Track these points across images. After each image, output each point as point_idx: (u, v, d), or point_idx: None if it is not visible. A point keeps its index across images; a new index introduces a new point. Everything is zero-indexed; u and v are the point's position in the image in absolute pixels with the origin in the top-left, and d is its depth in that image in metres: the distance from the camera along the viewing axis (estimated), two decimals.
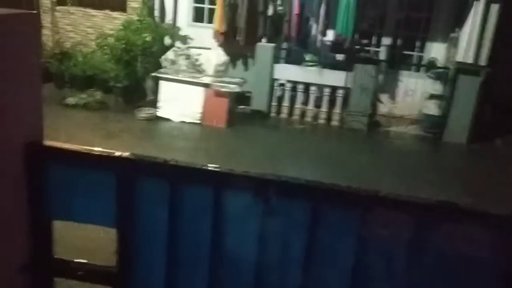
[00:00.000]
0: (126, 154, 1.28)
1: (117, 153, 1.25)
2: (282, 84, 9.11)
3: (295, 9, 8.75)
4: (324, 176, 6.11)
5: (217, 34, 9.17)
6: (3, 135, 1.26)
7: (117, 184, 1.30)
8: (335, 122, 9.02)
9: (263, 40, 9.03)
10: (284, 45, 9.30)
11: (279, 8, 8.93)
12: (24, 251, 1.36)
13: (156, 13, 9.27)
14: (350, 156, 7.75)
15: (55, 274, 1.42)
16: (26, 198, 1.34)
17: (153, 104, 8.71)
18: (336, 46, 9.07)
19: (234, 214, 1.29)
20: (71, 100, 8.71)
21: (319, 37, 9.01)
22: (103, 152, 1.31)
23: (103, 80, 8.85)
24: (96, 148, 1.33)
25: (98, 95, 8.85)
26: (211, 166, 1.28)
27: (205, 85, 8.44)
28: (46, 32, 9.85)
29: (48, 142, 1.36)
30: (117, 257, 1.37)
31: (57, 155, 1.34)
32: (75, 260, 1.43)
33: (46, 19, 9.81)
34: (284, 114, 9.17)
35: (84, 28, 9.60)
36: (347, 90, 8.85)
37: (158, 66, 8.77)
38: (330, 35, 9.00)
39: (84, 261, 1.43)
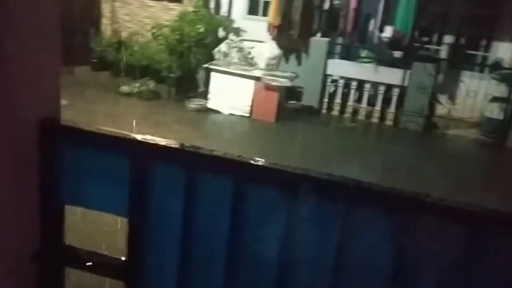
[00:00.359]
0: (140, 136, 1.16)
1: (132, 135, 1.13)
2: (335, 80, 8.84)
3: (353, 3, 8.44)
4: (371, 178, 5.85)
5: (271, 27, 9.02)
6: (16, 108, 1.17)
7: (130, 170, 1.18)
8: (389, 122, 8.65)
9: (318, 34, 8.79)
10: (339, 40, 9.01)
11: (336, 1, 8.64)
12: (34, 237, 1.27)
13: (212, 4, 9.24)
14: (404, 158, 7.37)
15: (65, 263, 1.33)
16: (38, 179, 1.25)
17: (204, 95, 8.70)
18: (394, 42, 8.67)
19: (256, 209, 1.14)
20: (125, 89, 8.87)
21: (376, 33, 8.66)
22: (118, 133, 1.19)
23: (157, 70, 8.93)
24: (111, 129, 1.21)
25: (151, 84, 8.95)
26: (232, 155, 1.13)
27: (256, 78, 8.32)
28: (105, 22, 10.08)
29: (63, 122, 1.26)
30: (128, 250, 1.25)
31: (71, 134, 1.24)
32: (85, 249, 1.33)
33: (106, 9, 10.04)
34: (335, 111, 8.90)
35: (141, 19, 9.73)
36: (403, 88, 8.45)
37: (211, 58, 8.74)
38: (388, 31, 8.62)
39: (94, 251, 1.33)
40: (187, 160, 1.15)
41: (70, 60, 9.55)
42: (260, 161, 1.12)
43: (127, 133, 1.20)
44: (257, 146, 7.20)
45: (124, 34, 9.85)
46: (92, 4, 9.94)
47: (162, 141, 1.15)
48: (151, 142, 1.16)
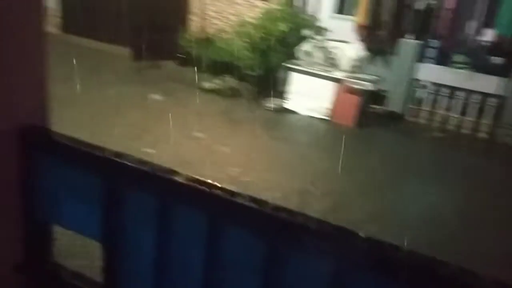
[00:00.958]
0: (112, 152, 1.03)
1: (106, 153, 1.00)
2: (424, 86, 8.24)
3: (449, 3, 7.79)
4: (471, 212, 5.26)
5: (358, 27, 8.62)
6: None
7: (103, 191, 1.06)
8: (482, 134, 7.89)
9: (408, 36, 8.24)
10: (432, 43, 8.37)
11: (431, 1, 8.03)
12: (18, 250, 1.20)
13: (298, 2, 9.04)
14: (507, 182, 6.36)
15: (46, 281, 1.25)
16: (18, 192, 1.17)
17: (283, 95, 8.55)
18: (495, 47, 7.87)
19: (232, 248, 0.97)
20: (206, 85, 9.00)
21: (475, 36, 7.91)
22: (92, 148, 1.07)
23: (238, 68, 8.93)
24: (88, 142, 1.10)
25: (232, 82, 8.99)
26: (210, 185, 0.96)
27: (338, 80, 8.00)
28: (194, 18, 10.30)
29: (45, 129, 1.17)
30: (104, 275, 1.14)
31: (48, 146, 1.14)
32: (68, 269, 1.24)
33: (195, 5, 10.25)
34: (422, 119, 8.30)
35: (228, 15, 9.80)
36: (502, 98, 7.65)
37: (293, 57, 8.57)
38: (488, 35, 7.84)
39: (78, 271, 1.23)
40: (160, 186, 1.00)
41: (158, 54, 9.90)
42: (239, 197, 0.94)
43: (103, 147, 1.08)
44: (328, 152, 6.89)
45: (210, 31, 9.99)
46: (183, 0, 10.19)
47: (133, 162, 1.00)
48: (122, 162, 1.02)
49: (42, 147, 1.15)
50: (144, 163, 1.00)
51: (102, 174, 1.07)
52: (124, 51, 10.09)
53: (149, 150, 5.67)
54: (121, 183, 1.05)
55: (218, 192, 0.95)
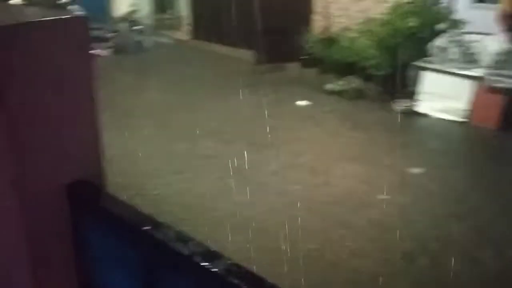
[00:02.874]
0: (150, 223, 0.84)
1: (145, 228, 0.82)
2: None
3: None
4: None
5: (503, 17, 7.54)
6: (41, 173, 0.98)
7: (140, 267, 0.88)
8: None
9: None
10: None
11: None
12: None
13: None
14: None
15: None
16: (64, 251, 1.05)
17: (413, 96, 7.86)
18: None
19: None
20: (329, 87, 8.68)
21: None
22: (132, 213, 0.90)
23: (363, 67, 8.44)
24: (131, 204, 0.93)
25: (356, 82, 8.54)
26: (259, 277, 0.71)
27: (477, 78, 7.10)
28: (317, 18, 10.02)
29: (93, 186, 1.02)
30: None
31: (92, 204, 0.99)
32: None
33: (318, 5, 9.96)
34: None
35: (353, 13, 9.33)
36: None
37: (425, 54, 7.83)
38: None
39: None
40: (196, 275, 0.77)
41: (281, 57, 9.82)
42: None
43: (143, 213, 0.90)
44: (471, 166, 6.07)
45: (334, 30, 9.62)
46: (305, 0, 9.97)
47: (170, 239, 0.80)
48: (157, 237, 0.82)
49: (86, 205, 1.01)
50: (185, 240, 0.79)
51: (139, 247, 0.89)
52: (248, 55, 10.21)
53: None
54: (159, 262, 0.85)
55: None
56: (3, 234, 1.15)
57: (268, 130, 6.41)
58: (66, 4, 14.35)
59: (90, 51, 1.02)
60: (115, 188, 1.05)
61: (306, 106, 8.03)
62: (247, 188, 4.93)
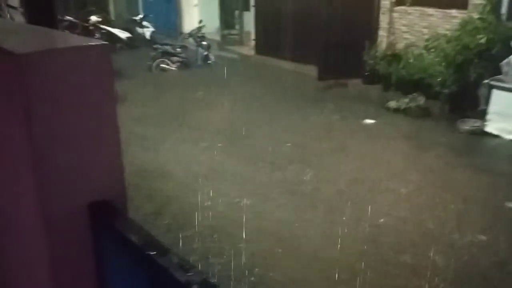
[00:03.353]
0: (159, 249, 0.86)
1: (151, 252, 0.84)
2: None
3: None
4: None
5: None
6: (64, 192, 1.03)
7: None
8: None
9: None
10: None
11: None
12: None
13: (503, 9, 7.81)
14: None
15: None
16: (83, 272, 1.09)
17: (482, 115, 7.44)
18: None
19: None
20: (392, 104, 8.44)
21: None
22: (143, 237, 0.92)
23: (429, 85, 8.14)
24: (142, 228, 0.95)
25: (421, 100, 8.23)
26: None
27: None
28: (381, 33, 9.82)
29: (111, 206, 1.06)
30: None
31: (110, 225, 1.02)
32: None
33: (383, 20, 9.77)
34: None
35: (419, 29, 9.06)
36: None
37: (497, 72, 7.41)
38: None
39: None
40: None
41: (343, 72, 9.70)
42: None
43: (153, 238, 0.92)
44: None
45: (399, 46, 9.37)
46: (370, 16, 9.81)
47: (174, 266, 0.81)
48: (162, 264, 0.83)
49: (104, 226, 1.04)
50: (186, 268, 0.79)
51: (145, 271, 0.90)
52: (311, 70, 10.18)
53: None
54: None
55: None
56: (27, 252, 1.21)
57: (342, 155, 6.37)
58: (140, 20, 15.11)
59: (112, 76, 1.06)
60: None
61: (372, 124, 7.80)
62: (338, 220, 4.61)
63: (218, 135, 7.11)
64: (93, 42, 1.05)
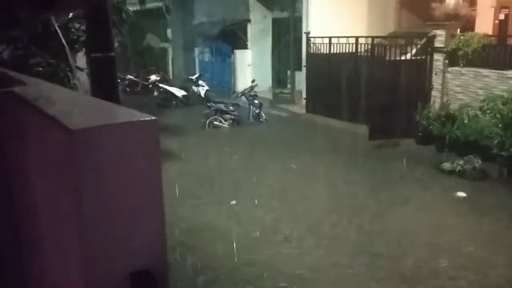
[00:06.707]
0: None
1: None
2: None
3: None
4: None
5: None
6: (106, 259, 1.08)
7: None
8: None
9: None
10: None
11: None
12: None
13: None
14: None
15: None
16: None
17: None
18: None
19: None
20: (446, 166, 8.17)
21: None
22: None
23: (485, 147, 7.87)
24: None
25: (478, 163, 7.93)
26: None
27: None
28: (434, 94, 9.72)
29: (151, 276, 1.09)
30: None
31: None
32: None
33: (436, 81, 9.69)
34: None
35: (474, 90, 8.89)
36: None
37: None
38: None
39: None
40: None
41: (395, 132, 9.59)
42: None
43: None
44: None
45: (453, 107, 9.20)
46: (423, 76, 9.77)
47: None
48: None
49: None
50: None
51: None
52: (362, 129, 10.14)
53: None
54: None
55: None
56: None
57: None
58: (195, 79, 15.79)
59: (158, 149, 1.12)
60: None
61: (428, 189, 7.51)
62: None
63: (272, 199, 7.09)
64: (143, 116, 1.13)
